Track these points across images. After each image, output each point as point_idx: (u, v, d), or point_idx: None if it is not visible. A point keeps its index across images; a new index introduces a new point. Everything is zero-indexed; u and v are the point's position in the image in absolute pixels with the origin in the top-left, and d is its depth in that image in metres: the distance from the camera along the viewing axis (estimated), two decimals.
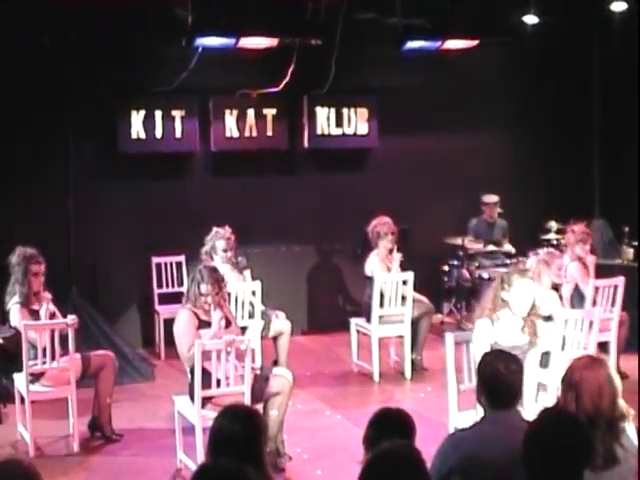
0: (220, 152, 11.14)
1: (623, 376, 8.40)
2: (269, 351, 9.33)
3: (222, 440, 3.89)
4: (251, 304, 9.12)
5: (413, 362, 9.61)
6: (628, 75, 11.19)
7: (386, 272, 9.53)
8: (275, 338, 9.31)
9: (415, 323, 9.62)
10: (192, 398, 6.84)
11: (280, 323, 9.35)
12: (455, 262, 11.27)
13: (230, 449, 3.79)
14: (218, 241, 9.36)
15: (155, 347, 10.38)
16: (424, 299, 9.83)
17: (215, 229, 9.42)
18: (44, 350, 7.41)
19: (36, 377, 7.55)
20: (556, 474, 3.55)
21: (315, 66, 10.60)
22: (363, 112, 11.56)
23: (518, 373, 4.52)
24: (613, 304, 8.71)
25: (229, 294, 8.48)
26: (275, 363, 9.17)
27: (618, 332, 8.77)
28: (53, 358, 7.44)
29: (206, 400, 6.77)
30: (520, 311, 6.62)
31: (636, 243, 10.41)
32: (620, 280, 8.74)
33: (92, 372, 7.72)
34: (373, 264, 9.59)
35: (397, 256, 9.69)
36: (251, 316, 9.12)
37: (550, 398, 6.54)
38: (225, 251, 9.35)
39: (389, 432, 4.03)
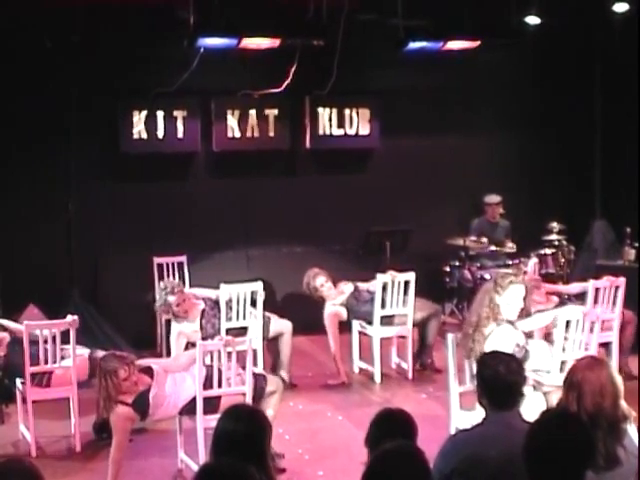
0: (222, 152, 11.14)
1: (633, 377, 8.45)
2: (266, 353, 9.32)
3: (225, 440, 3.89)
4: (253, 304, 9.10)
5: (424, 365, 9.63)
6: (630, 76, 11.18)
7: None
8: (276, 339, 9.29)
9: (423, 325, 9.63)
10: None
11: (280, 324, 9.33)
12: (457, 262, 11.25)
13: (233, 449, 3.79)
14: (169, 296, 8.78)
15: (157, 348, 10.37)
16: (430, 302, 9.84)
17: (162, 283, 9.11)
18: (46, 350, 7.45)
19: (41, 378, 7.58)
20: (557, 474, 3.55)
21: (317, 67, 10.59)
22: (365, 113, 11.56)
23: (519, 373, 4.52)
24: (614, 305, 8.72)
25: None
26: (274, 366, 9.15)
27: (625, 332, 8.82)
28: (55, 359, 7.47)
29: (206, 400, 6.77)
30: (510, 315, 6.77)
31: (637, 244, 10.40)
32: (621, 281, 8.74)
33: None
34: (332, 313, 9.58)
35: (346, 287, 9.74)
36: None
37: (552, 401, 6.54)
38: (178, 305, 8.76)
39: (391, 433, 4.04)
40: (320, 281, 9.62)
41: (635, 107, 10.84)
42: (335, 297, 9.63)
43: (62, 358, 7.58)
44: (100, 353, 7.80)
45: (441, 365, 9.32)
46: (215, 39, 9.58)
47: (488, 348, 6.63)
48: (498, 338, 6.74)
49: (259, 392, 6.85)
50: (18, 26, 9.62)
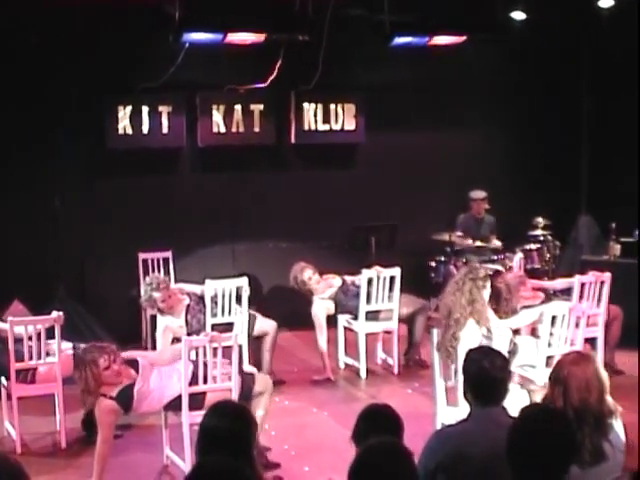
0: (207, 148, 11.12)
1: (618, 372, 8.49)
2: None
3: (210, 437, 3.88)
4: (238, 300, 9.06)
5: (413, 361, 9.63)
6: (617, 71, 11.21)
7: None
8: (259, 338, 9.21)
9: (410, 322, 9.63)
10: None
11: (265, 323, 9.27)
12: (442, 258, 11.25)
13: (219, 446, 3.78)
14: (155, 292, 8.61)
15: (142, 343, 10.34)
16: (416, 298, 9.84)
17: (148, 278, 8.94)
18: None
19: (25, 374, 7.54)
20: (541, 470, 3.55)
21: (302, 62, 10.59)
22: (350, 108, 11.56)
23: (504, 369, 4.52)
24: (600, 300, 8.74)
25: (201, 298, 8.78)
26: (255, 366, 9.09)
27: (612, 327, 8.85)
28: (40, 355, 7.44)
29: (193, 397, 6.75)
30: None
31: (624, 239, 10.40)
32: (607, 276, 8.76)
33: None
34: (320, 307, 9.57)
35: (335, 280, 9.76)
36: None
37: (535, 399, 6.57)
38: (164, 301, 8.61)
39: (377, 428, 4.04)
40: (308, 274, 9.61)
41: (622, 104, 10.87)
42: (323, 290, 9.63)
43: (47, 354, 7.54)
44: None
45: (429, 360, 9.34)
46: (200, 34, 9.58)
47: (464, 345, 6.65)
48: (469, 335, 6.78)
49: (246, 391, 6.80)
50: (5, 24, 9.58)
